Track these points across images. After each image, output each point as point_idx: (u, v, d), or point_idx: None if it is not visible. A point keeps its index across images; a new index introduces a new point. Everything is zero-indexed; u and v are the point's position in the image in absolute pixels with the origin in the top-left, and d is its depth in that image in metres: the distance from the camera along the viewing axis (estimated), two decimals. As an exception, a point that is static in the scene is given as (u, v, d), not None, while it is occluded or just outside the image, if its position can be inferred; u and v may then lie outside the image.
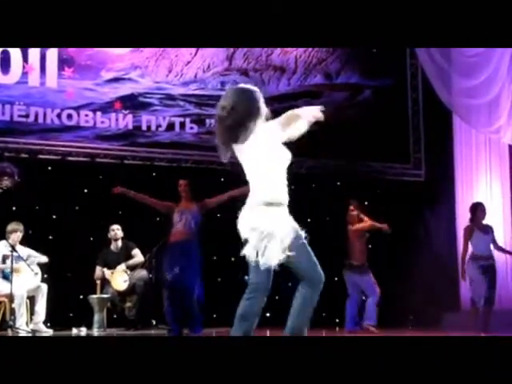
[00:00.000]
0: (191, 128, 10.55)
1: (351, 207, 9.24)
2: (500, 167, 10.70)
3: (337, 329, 9.82)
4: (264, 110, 4.28)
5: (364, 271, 9.16)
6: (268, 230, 4.07)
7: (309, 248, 4.19)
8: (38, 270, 8.89)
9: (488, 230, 8.91)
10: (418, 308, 9.78)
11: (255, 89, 4.31)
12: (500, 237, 9.78)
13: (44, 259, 9.00)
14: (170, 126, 10.46)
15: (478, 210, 8.93)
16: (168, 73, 10.55)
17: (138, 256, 9.52)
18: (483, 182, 10.76)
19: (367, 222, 9.21)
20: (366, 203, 9.67)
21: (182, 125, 10.51)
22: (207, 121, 10.56)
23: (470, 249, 8.86)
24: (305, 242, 4.18)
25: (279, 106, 10.66)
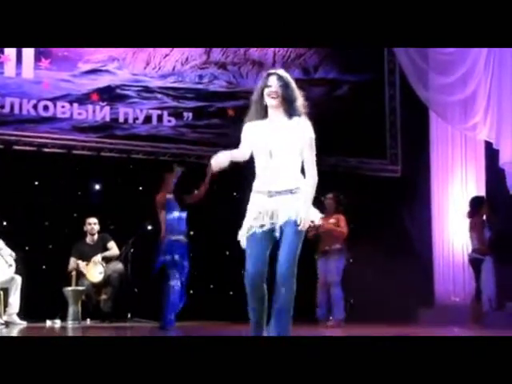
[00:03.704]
0: (169, 121, 10.52)
1: (330, 195, 9.01)
2: (475, 163, 10.78)
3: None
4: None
5: (332, 256, 9.05)
6: None
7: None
8: (12, 261, 8.83)
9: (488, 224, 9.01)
10: (394, 303, 9.82)
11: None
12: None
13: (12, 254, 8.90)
14: (148, 119, 10.42)
15: (482, 203, 9.00)
16: (146, 65, 10.51)
17: (113, 249, 9.49)
18: (458, 177, 10.83)
19: (339, 229, 9.01)
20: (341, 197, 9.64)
21: (160, 117, 10.48)
22: (185, 114, 10.55)
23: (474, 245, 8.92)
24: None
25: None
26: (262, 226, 4.22)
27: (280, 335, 4.13)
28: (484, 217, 9.03)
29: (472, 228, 9.05)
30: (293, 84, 4.35)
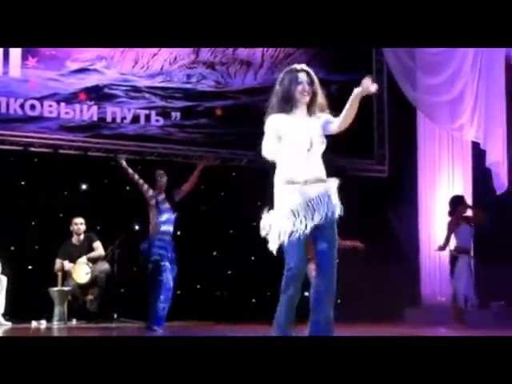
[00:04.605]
0: (156, 121, 10.50)
1: None
2: (462, 163, 10.81)
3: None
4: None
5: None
6: None
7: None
8: (-3, 262, 8.80)
9: (471, 223, 8.98)
10: (380, 303, 9.84)
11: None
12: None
13: None
14: (135, 119, 10.40)
15: (461, 202, 9.00)
16: (134, 64, 10.48)
17: (99, 249, 9.44)
18: (445, 178, 10.86)
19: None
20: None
21: (148, 117, 10.46)
22: (173, 114, 10.54)
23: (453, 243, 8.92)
24: None
25: (246, 99, 10.69)
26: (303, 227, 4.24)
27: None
28: (463, 215, 9.02)
29: (448, 226, 9.06)
30: (317, 80, 4.48)
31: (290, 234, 4.23)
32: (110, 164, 9.87)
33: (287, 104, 4.41)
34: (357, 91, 4.23)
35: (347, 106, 4.31)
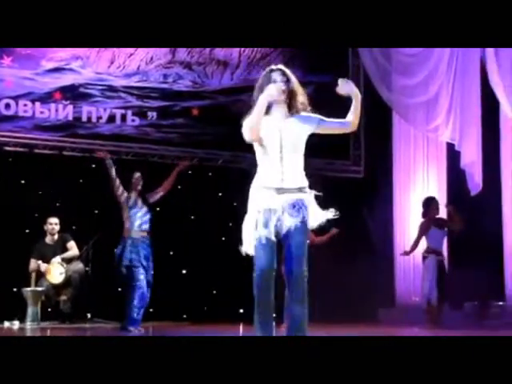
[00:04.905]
0: (133, 120, 10.47)
1: None
2: (437, 164, 10.88)
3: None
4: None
5: None
6: None
7: None
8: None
9: (443, 225, 9.00)
10: (355, 303, 9.87)
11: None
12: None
13: None
14: (111, 118, 10.36)
15: (431, 204, 9.02)
16: (110, 64, 10.45)
17: (73, 249, 9.39)
18: (420, 178, 10.92)
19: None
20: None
21: (124, 117, 10.43)
22: (149, 113, 10.51)
23: (424, 244, 8.96)
24: None
25: (223, 99, 10.69)
26: (268, 234, 4.18)
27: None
28: (435, 217, 9.05)
29: (419, 228, 9.11)
30: (294, 79, 4.40)
31: (258, 239, 4.19)
32: (85, 164, 9.85)
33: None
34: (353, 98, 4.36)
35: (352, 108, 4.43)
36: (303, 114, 4.40)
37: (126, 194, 8.10)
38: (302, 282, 4.22)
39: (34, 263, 9.28)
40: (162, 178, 8.35)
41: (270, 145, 4.27)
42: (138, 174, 8.23)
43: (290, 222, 4.20)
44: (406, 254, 9.19)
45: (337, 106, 4.52)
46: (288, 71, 4.40)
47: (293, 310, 4.25)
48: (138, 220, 8.05)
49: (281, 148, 4.27)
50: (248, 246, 4.27)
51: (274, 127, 4.30)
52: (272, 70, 4.39)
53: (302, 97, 4.42)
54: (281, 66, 4.43)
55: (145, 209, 8.11)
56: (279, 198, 4.22)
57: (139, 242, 8.01)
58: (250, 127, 4.24)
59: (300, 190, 4.30)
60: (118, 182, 8.12)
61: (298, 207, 4.24)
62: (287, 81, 4.35)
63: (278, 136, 4.28)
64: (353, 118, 4.46)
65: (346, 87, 4.34)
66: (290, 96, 4.35)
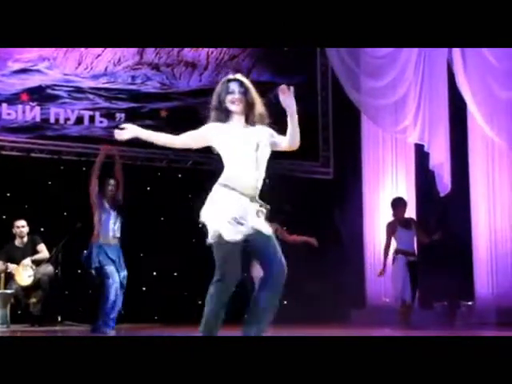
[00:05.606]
0: (101, 122, 10.41)
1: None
2: (405, 166, 10.94)
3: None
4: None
5: None
6: None
7: None
8: None
9: (411, 225, 9.00)
10: (326, 304, 9.90)
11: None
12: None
13: None
14: (79, 120, 10.31)
15: (398, 204, 9.03)
16: (77, 65, 10.38)
17: (43, 251, 9.31)
18: (389, 180, 10.98)
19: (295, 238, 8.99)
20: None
21: (92, 118, 10.37)
22: (117, 115, 10.46)
23: (394, 245, 8.98)
24: None
25: (191, 101, 10.66)
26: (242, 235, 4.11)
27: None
28: (403, 217, 9.07)
29: (386, 229, 9.13)
30: (253, 89, 4.31)
31: (227, 246, 4.10)
32: (53, 165, 9.78)
33: (221, 113, 4.28)
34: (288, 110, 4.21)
35: (288, 123, 4.28)
36: (258, 126, 4.33)
37: (98, 197, 8.04)
38: (282, 279, 4.22)
39: (1, 265, 9.19)
40: (132, 179, 8.32)
41: (236, 151, 4.23)
42: (112, 181, 8.16)
43: (263, 228, 4.18)
44: (381, 273, 9.10)
45: (304, 108, 4.51)
46: (246, 81, 4.31)
47: (263, 295, 4.20)
48: (109, 227, 8.03)
49: (257, 158, 4.25)
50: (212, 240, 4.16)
51: (238, 136, 4.25)
52: (230, 80, 4.30)
53: (260, 108, 4.34)
54: (239, 76, 4.34)
55: (116, 216, 8.09)
56: (251, 206, 4.19)
57: (105, 246, 7.98)
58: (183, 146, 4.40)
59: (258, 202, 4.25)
60: (96, 184, 8.02)
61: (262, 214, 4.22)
62: (245, 92, 4.27)
63: (243, 142, 4.24)
64: (289, 140, 4.38)
65: (286, 99, 4.17)
66: (248, 107, 4.29)
